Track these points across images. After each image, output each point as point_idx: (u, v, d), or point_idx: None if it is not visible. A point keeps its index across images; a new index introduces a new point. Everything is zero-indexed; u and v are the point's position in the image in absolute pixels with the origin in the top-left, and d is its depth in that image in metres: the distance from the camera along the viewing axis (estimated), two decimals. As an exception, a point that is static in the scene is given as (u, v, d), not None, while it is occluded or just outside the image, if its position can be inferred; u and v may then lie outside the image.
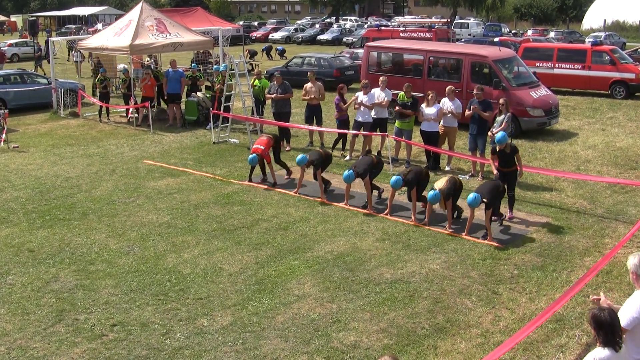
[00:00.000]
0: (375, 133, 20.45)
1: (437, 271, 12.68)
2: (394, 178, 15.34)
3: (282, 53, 56.95)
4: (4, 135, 24.37)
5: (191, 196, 17.09)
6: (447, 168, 19.05)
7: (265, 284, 12.30)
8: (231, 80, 23.76)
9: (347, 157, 20.77)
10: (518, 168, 15.37)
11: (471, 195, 14.06)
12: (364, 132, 20.37)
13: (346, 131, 21.18)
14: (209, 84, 28.02)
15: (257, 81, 24.22)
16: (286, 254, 13.58)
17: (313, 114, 22.28)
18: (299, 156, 17.08)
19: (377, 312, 11.20)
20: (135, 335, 10.65)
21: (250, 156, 17.97)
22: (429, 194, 14.79)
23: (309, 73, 23.28)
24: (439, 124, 19.22)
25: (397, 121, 19.99)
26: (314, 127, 21.92)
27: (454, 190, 14.82)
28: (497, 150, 15.27)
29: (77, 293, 12.06)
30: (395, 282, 12.24)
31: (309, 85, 22.24)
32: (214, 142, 23.09)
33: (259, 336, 10.53)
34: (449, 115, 19.10)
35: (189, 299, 11.75)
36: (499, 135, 15.28)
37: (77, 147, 23.22)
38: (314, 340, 10.38)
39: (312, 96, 22.04)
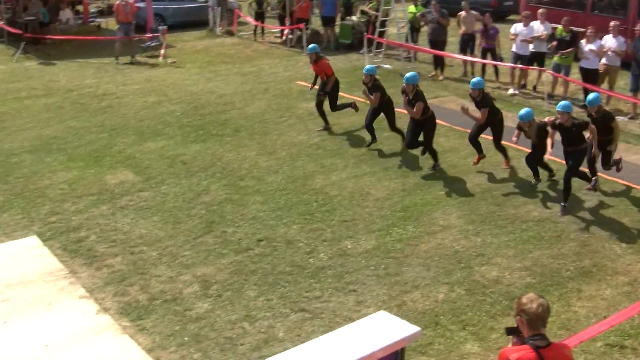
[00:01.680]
0: (532, 67, 19.84)
1: (587, 213, 12.29)
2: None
3: None
4: (162, 50, 25.04)
5: (342, 119, 17.10)
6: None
7: (411, 211, 12.26)
8: (387, 6, 23.46)
9: (511, 91, 20.12)
10: (613, 138, 13.13)
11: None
12: (521, 66, 19.80)
13: (501, 63, 20.62)
14: (364, 8, 27.77)
15: (413, 7, 23.82)
16: (433, 183, 13.46)
17: (467, 43, 21.77)
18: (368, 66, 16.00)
19: (521, 249, 10.99)
20: (280, 251, 10.86)
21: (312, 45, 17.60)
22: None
23: (462, 2, 22.67)
24: (600, 61, 18.44)
25: (555, 56, 19.32)
26: (468, 57, 21.47)
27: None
28: (587, 115, 13.39)
29: (226, 207, 12.37)
30: (542, 221, 11.95)
31: (463, 14, 21.68)
32: (368, 67, 22.94)
33: (401, 263, 10.55)
34: (612, 53, 18.28)
35: (335, 221, 11.86)
36: (590, 96, 13.24)
37: (232, 65, 23.59)
38: (456, 271, 10.32)
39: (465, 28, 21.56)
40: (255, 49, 26.58)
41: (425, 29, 23.10)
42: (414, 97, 14.00)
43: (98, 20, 31.46)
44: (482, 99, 13.81)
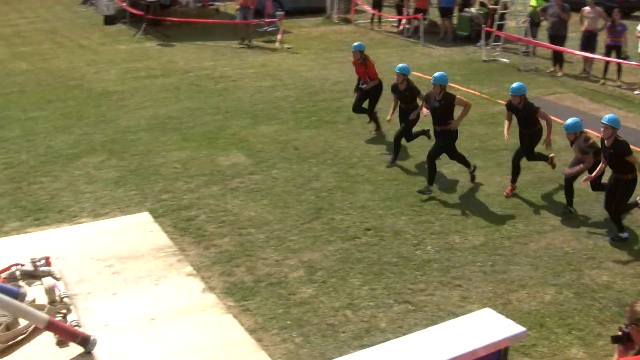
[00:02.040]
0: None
1: None
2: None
3: None
4: (279, 35, 25.24)
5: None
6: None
7: (522, 209, 12.00)
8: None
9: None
10: None
11: None
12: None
13: (625, 61, 19.97)
14: (483, 0, 27.37)
15: (534, 1, 23.30)
16: (546, 182, 13.13)
17: (589, 40, 21.13)
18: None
19: (635, 255, 10.59)
20: (388, 242, 10.79)
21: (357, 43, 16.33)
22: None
23: (588, -3, 22.02)
24: None
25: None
26: (589, 54, 20.85)
27: None
28: None
29: (336, 194, 12.36)
30: (660, 228, 11.53)
31: (587, 9, 21.04)
32: (483, 60, 22.56)
33: (509, 261, 10.34)
34: None
35: (444, 214, 11.71)
36: None
37: (347, 52, 23.39)
38: (565, 273, 10.02)
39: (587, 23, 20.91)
40: (372, 38, 26.51)
41: (545, 23, 22.57)
42: (443, 98, 12.48)
43: (217, 3, 32.00)
44: (525, 105, 12.36)
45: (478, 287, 9.63)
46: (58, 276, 9.35)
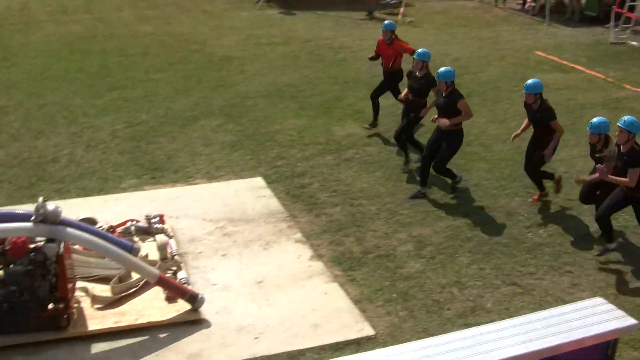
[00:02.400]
0: None
1: None
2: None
3: None
4: (402, 8, 25.05)
5: (578, 95, 16.38)
6: None
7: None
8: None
9: None
10: None
11: None
12: None
13: None
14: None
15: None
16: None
17: None
18: None
19: None
20: (499, 222, 10.65)
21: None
22: None
23: None
24: None
25: None
26: None
27: None
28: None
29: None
30: None
31: None
32: (611, 43, 21.77)
33: (623, 250, 10.00)
34: None
35: (559, 198, 11.41)
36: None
37: (470, 28, 23.22)
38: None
39: None
40: (495, 15, 26.01)
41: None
42: (449, 95, 11.19)
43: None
44: (541, 107, 11.04)
45: (590, 275, 9.38)
46: (171, 234, 9.61)
